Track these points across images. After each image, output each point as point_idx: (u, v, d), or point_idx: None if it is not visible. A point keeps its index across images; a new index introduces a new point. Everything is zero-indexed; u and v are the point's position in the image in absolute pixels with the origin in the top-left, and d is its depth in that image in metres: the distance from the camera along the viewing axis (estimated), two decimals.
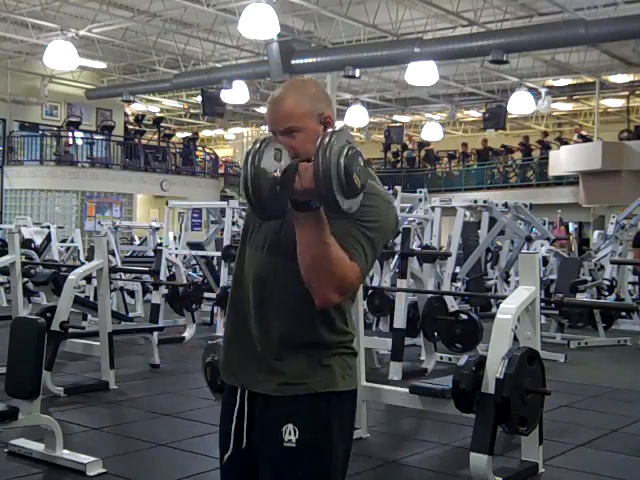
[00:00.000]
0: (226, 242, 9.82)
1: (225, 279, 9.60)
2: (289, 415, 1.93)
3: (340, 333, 1.99)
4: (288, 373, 1.94)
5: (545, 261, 10.90)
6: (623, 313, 10.63)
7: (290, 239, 1.87)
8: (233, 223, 10.08)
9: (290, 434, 1.93)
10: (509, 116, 20.70)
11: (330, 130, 1.80)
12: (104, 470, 4.09)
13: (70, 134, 20.98)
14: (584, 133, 23.12)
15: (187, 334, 8.72)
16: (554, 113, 25.49)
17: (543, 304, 5.51)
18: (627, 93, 22.77)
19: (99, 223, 14.68)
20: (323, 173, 1.69)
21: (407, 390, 4.63)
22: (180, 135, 28.11)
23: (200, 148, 24.98)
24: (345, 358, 2.00)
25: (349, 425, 2.06)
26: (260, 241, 2.02)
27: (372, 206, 1.91)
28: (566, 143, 22.62)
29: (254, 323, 1.99)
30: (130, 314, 9.63)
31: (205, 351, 2.23)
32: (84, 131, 21.40)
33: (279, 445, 1.93)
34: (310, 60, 15.63)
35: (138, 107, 25.50)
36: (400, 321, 6.70)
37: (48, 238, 12.48)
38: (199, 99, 20.84)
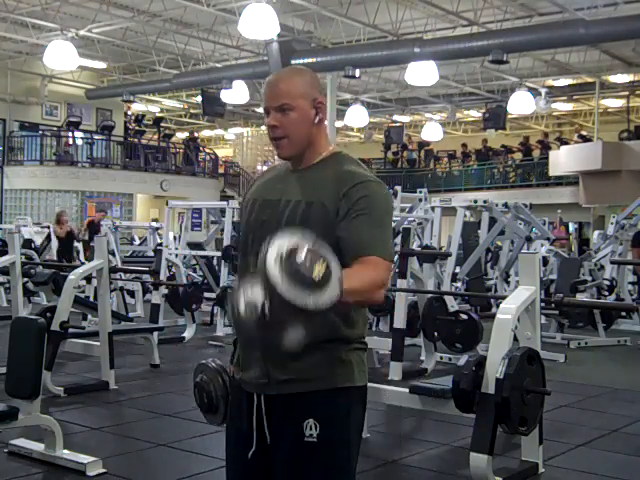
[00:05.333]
0: (226, 242, 9.82)
1: (225, 279, 9.59)
2: (310, 410, 1.95)
3: (358, 327, 2.02)
4: (308, 369, 1.95)
5: (545, 261, 10.88)
6: (623, 313, 10.63)
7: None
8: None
9: (311, 429, 1.95)
10: (509, 116, 20.73)
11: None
12: (104, 470, 4.09)
13: (70, 134, 20.98)
14: (584, 133, 23.13)
15: (187, 334, 8.73)
16: (554, 113, 25.49)
17: (543, 304, 5.51)
18: (627, 93, 22.76)
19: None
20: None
21: (407, 390, 4.62)
22: (180, 135, 28.11)
23: (200, 148, 24.97)
24: (360, 354, 2.03)
25: (362, 420, 2.08)
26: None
27: (366, 195, 1.96)
28: (566, 143, 22.62)
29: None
30: (130, 314, 9.62)
31: (195, 371, 2.21)
32: (84, 131, 21.41)
33: (300, 440, 1.95)
34: (310, 60, 15.62)
35: (138, 107, 25.50)
36: (400, 321, 6.69)
37: (48, 238, 12.48)
38: (199, 99, 20.86)
